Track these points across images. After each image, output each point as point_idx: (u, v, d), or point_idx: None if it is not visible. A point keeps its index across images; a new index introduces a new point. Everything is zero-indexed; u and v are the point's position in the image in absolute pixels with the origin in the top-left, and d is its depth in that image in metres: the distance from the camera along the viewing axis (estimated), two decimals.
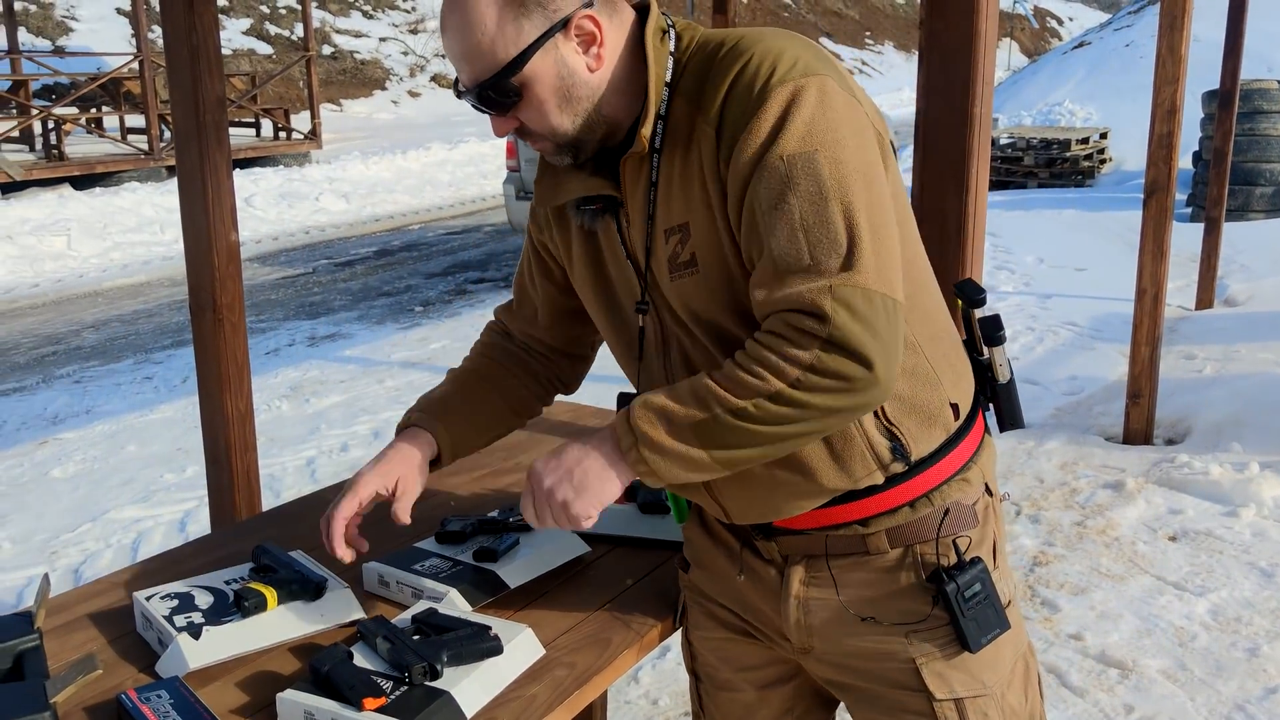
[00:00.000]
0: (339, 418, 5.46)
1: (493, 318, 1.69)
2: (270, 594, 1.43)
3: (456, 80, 1.32)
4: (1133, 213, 6.59)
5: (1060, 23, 49.15)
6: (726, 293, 1.26)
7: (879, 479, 1.30)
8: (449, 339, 6.96)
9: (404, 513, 1.48)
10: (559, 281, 1.55)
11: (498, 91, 1.26)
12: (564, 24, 1.24)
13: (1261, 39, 12.11)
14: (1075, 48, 17.81)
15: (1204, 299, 6.76)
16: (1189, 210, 10.15)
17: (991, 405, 1.46)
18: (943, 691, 1.34)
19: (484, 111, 1.30)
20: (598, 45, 1.27)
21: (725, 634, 1.51)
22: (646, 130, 1.26)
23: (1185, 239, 7.39)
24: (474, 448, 1.59)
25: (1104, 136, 13.18)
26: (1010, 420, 1.45)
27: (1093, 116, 14.47)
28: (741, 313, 1.26)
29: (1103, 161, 12.99)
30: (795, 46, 1.23)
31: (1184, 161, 10.68)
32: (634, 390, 1.47)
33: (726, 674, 1.53)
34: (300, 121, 17.25)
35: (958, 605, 1.30)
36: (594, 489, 1.26)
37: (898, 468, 1.30)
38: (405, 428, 1.55)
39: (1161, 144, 4.55)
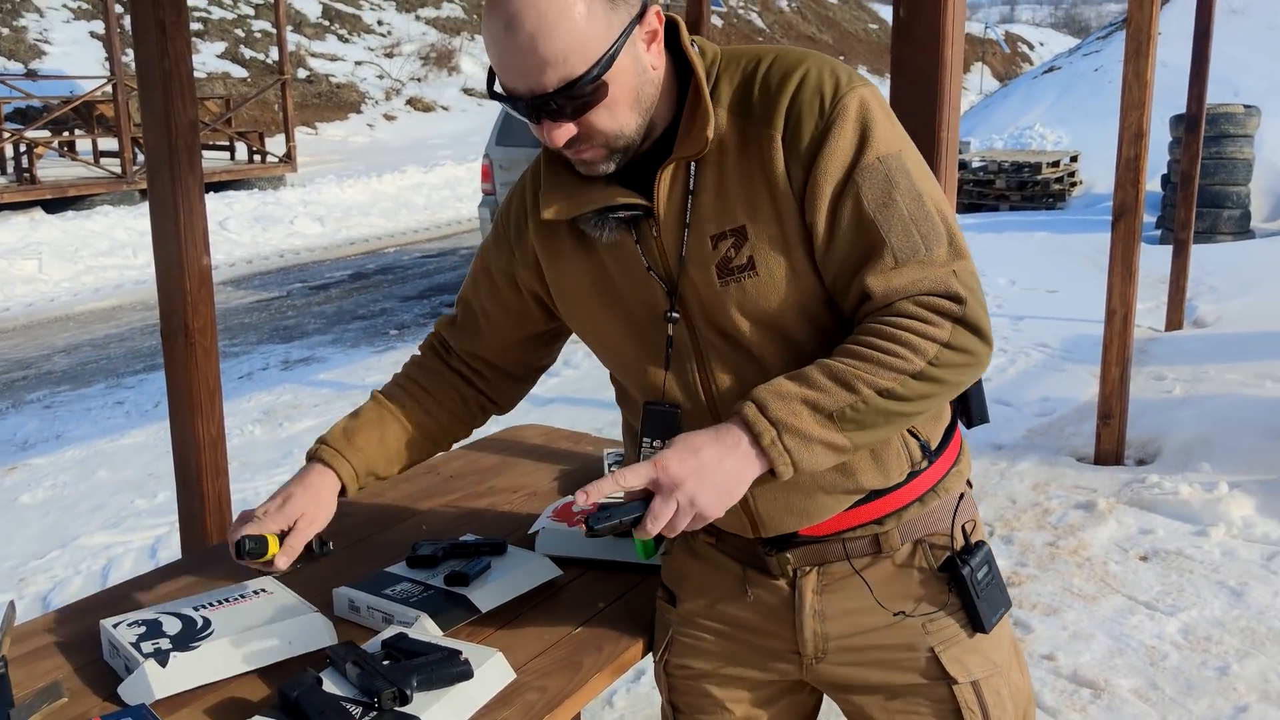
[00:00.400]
0: (312, 442, 5.42)
1: (434, 329, 1.64)
2: (273, 540, 1.40)
3: (495, 85, 1.24)
4: (1103, 235, 6.66)
5: (1031, 48, 49.72)
6: (792, 292, 1.28)
7: (904, 475, 1.36)
8: None
9: (289, 555, 1.41)
10: (516, 307, 1.51)
11: (585, 92, 1.20)
12: (640, 16, 1.23)
13: (1227, 64, 12.31)
14: (1045, 72, 18.03)
15: (1173, 320, 6.83)
16: (1158, 232, 10.28)
17: (960, 403, 1.49)
18: (963, 675, 1.39)
19: (539, 120, 1.23)
20: (658, 42, 1.27)
21: (713, 664, 1.50)
22: (710, 132, 1.26)
23: (1155, 261, 7.48)
24: (382, 477, 1.56)
25: (1074, 160, 13.33)
26: (979, 416, 1.49)
27: (1063, 140, 14.64)
28: (802, 310, 1.29)
29: (1073, 184, 13.14)
30: (835, 61, 1.30)
31: (1153, 184, 10.82)
32: (634, 399, 1.44)
33: (711, 702, 1.52)
34: (275, 145, 17.21)
35: (973, 588, 1.36)
36: (732, 489, 1.21)
37: (923, 464, 1.37)
38: (312, 457, 1.53)
39: (1129, 167, 4.61)
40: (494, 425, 3.69)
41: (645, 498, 1.20)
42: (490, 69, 1.25)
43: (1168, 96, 9.06)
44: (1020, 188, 12.64)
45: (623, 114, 1.24)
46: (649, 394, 1.40)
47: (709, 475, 1.19)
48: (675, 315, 1.33)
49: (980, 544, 1.40)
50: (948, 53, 1.85)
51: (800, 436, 1.20)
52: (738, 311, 1.30)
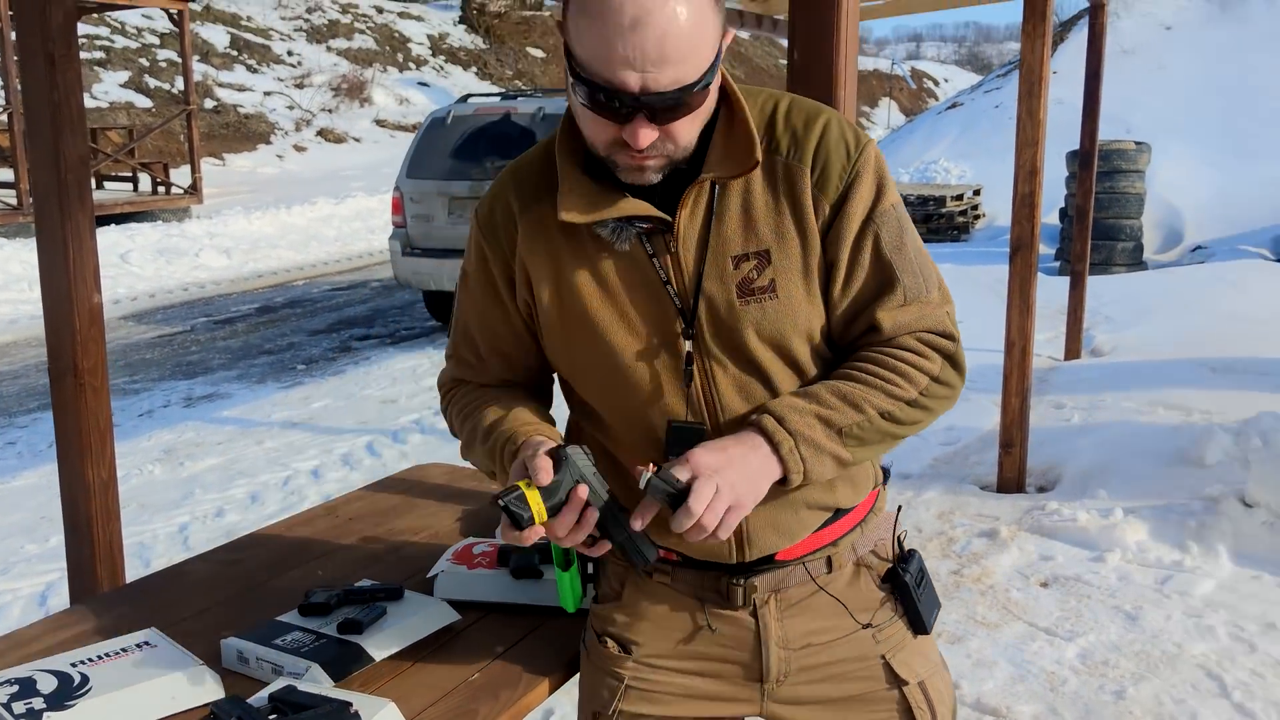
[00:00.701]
0: (214, 481, 5.29)
1: (443, 384, 1.55)
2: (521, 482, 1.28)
3: (581, 72, 1.21)
4: (1005, 267, 6.83)
5: (936, 84, 51.12)
6: (803, 316, 1.35)
7: (865, 495, 1.47)
8: (332, 398, 6.82)
9: (545, 471, 1.27)
10: (520, 316, 1.45)
11: (690, 96, 1.21)
12: (724, 27, 1.26)
13: (1119, 103, 12.78)
14: (949, 108, 18.51)
15: (1072, 350, 7.02)
16: (1057, 265, 10.58)
17: None
18: (911, 677, 1.47)
19: (630, 119, 1.20)
20: (721, 59, 1.28)
21: (671, 708, 1.48)
22: (759, 155, 1.31)
23: (1055, 292, 7.69)
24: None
25: (977, 193, 13.68)
26: None
27: (966, 174, 15.02)
28: (808, 334, 1.36)
29: (977, 217, 13.48)
30: (839, 113, 1.41)
31: (1051, 218, 11.17)
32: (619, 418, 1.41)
33: None
34: (181, 176, 16.87)
35: (915, 593, 1.48)
36: (759, 485, 1.29)
37: (881, 484, 1.50)
38: (516, 439, 1.38)
39: (1024, 203, 4.74)
40: (398, 463, 3.62)
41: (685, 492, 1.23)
42: (568, 55, 1.22)
43: (1065, 133, 9.35)
44: (926, 220, 12.93)
45: (697, 125, 1.28)
46: (653, 409, 1.37)
47: (740, 467, 1.27)
48: (692, 332, 1.35)
49: (913, 552, 1.52)
50: (840, 94, 1.89)
51: (814, 447, 1.29)
52: (753, 331, 1.34)
